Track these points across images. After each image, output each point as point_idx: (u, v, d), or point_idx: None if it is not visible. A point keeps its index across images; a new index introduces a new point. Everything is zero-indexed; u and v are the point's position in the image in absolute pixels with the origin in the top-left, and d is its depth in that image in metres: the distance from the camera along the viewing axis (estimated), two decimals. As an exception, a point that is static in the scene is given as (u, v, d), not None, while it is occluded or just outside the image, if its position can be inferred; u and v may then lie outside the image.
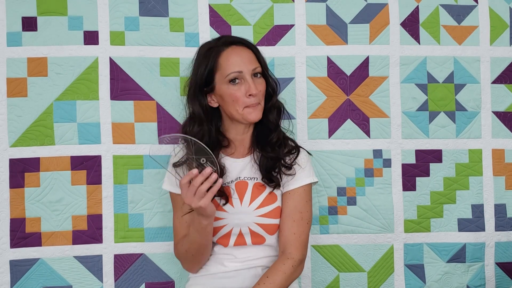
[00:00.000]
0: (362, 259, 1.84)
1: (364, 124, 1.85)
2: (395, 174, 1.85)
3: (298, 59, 1.83)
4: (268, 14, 1.84)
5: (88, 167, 1.77)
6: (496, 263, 1.87)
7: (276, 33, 1.83)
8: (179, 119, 1.78)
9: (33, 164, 1.75)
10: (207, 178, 1.36)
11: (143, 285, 1.79)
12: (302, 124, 1.83)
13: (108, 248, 1.77)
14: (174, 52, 1.81)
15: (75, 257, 1.76)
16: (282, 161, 1.57)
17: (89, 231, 1.77)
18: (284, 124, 1.67)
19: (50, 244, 1.75)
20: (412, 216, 1.85)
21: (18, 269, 1.74)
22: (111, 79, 1.78)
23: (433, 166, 1.86)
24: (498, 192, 1.87)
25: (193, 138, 1.39)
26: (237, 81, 1.52)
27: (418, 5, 1.87)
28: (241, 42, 1.56)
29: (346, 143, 1.84)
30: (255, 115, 1.53)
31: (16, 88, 1.75)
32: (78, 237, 1.76)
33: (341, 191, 1.84)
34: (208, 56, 1.53)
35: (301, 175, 1.57)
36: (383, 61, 1.85)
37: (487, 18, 1.88)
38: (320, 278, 1.84)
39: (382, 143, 1.85)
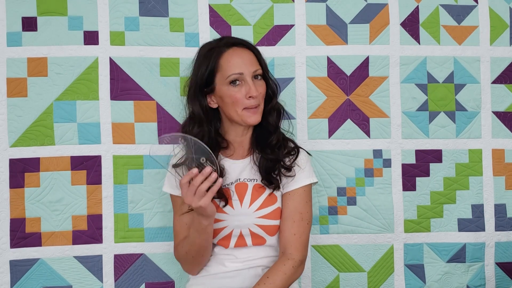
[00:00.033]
0: (362, 259, 1.84)
1: (364, 124, 1.85)
2: (395, 174, 1.85)
3: (298, 59, 1.83)
4: (268, 14, 1.84)
5: (88, 167, 1.77)
6: (496, 263, 1.87)
7: (276, 33, 1.83)
8: (179, 119, 1.78)
9: (33, 164, 1.75)
10: (207, 177, 1.36)
11: (143, 285, 1.79)
12: (302, 124, 1.83)
13: (108, 248, 1.77)
14: (174, 52, 1.81)
15: (75, 257, 1.76)
16: (282, 163, 1.57)
17: (89, 231, 1.77)
18: (284, 125, 1.66)
19: (50, 244, 1.75)
20: (412, 216, 1.85)
21: (18, 269, 1.74)
22: (111, 79, 1.78)
23: (433, 166, 1.86)
24: (498, 192, 1.87)
25: (193, 138, 1.39)
26: (237, 82, 1.51)
27: (418, 5, 1.87)
28: (243, 44, 1.56)
29: (346, 143, 1.84)
30: (254, 118, 1.53)
31: (16, 88, 1.75)
32: (78, 237, 1.76)
33: (341, 191, 1.84)
34: (209, 57, 1.53)
35: (300, 175, 1.57)
36: (383, 61, 1.85)
37: (487, 18, 1.88)
38: (320, 278, 1.84)
39: (382, 143, 1.85)
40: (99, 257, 1.77)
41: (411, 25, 1.86)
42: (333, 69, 1.84)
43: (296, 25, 1.84)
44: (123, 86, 1.79)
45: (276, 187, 1.55)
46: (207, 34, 1.81)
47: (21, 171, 1.75)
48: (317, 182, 1.61)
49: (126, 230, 1.78)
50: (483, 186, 1.87)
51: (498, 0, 1.88)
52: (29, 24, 1.76)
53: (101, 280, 1.77)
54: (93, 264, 1.77)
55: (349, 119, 1.85)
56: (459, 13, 1.88)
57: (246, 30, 1.82)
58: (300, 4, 1.84)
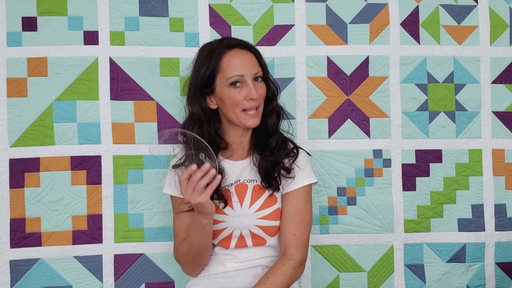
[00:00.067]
0: (362, 259, 1.84)
1: (364, 124, 1.85)
2: (395, 174, 1.85)
3: (298, 59, 1.83)
4: (268, 14, 1.84)
5: (88, 167, 1.77)
6: (496, 263, 1.87)
7: (276, 33, 1.83)
8: (179, 119, 1.78)
9: (33, 164, 1.75)
10: (206, 173, 1.35)
11: (143, 285, 1.79)
12: (302, 124, 1.83)
13: (108, 248, 1.77)
14: (174, 52, 1.81)
15: (75, 257, 1.76)
16: (281, 165, 1.56)
17: (89, 231, 1.77)
18: (284, 126, 1.66)
19: (50, 244, 1.75)
20: (412, 216, 1.85)
21: (18, 269, 1.74)
22: (111, 79, 1.78)
23: (433, 166, 1.86)
24: (498, 192, 1.87)
25: (192, 133, 1.39)
26: (238, 84, 1.51)
27: (418, 5, 1.87)
28: (244, 45, 1.55)
29: (346, 143, 1.84)
30: (253, 121, 1.53)
31: (16, 88, 1.75)
32: (78, 237, 1.76)
33: (341, 191, 1.84)
34: (210, 58, 1.52)
35: (300, 176, 1.57)
36: (383, 61, 1.85)
37: (487, 18, 1.88)
38: (320, 278, 1.84)
39: (382, 143, 1.85)
40: (99, 257, 1.77)
41: (411, 25, 1.86)
42: (333, 69, 1.84)
43: (296, 25, 1.84)
44: (123, 86, 1.79)
45: (276, 188, 1.55)
46: (207, 34, 1.81)
47: (21, 171, 1.75)
48: (317, 182, 1.61)
49: (126, 230, 1.78)
50: (483, 186, 1.87)
51: (498, 0, 1.88)
52: (29, 24, 1.76)
53: (101, 280, 1.77)
54: (93, 264, 1.77)
55: (349, 119, 1.85)
56: (459, 13, 1.88)
57: (246, 30, 1.82)
58: (300, 4, 1.84)
